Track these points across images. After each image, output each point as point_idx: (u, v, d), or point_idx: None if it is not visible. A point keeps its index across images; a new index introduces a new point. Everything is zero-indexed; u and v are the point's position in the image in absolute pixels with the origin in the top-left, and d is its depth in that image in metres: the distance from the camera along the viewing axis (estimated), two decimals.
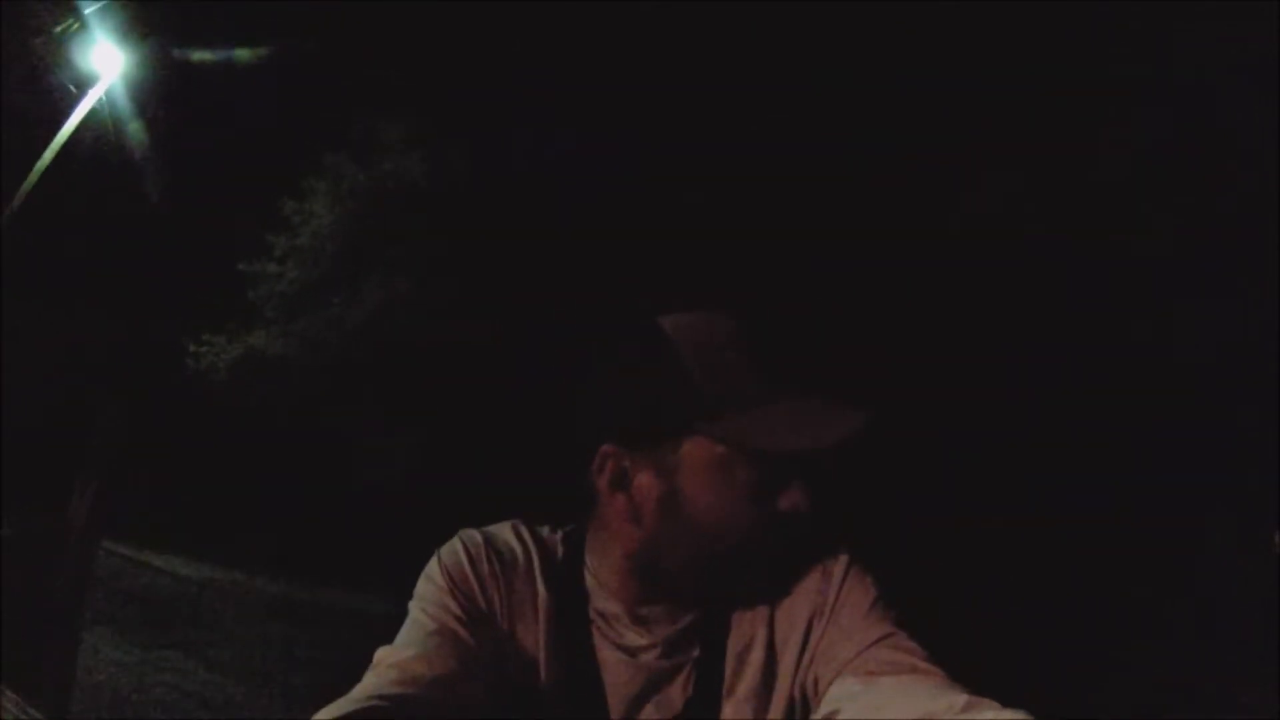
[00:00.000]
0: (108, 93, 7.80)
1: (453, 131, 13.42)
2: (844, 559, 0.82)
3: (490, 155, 13.41)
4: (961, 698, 0.64)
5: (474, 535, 0.84)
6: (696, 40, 11.42)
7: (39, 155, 7.10)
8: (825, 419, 0.74)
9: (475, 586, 0.79)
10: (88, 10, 7.44)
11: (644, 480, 0.76)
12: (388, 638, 0.76)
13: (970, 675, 0.67)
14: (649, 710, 0.78)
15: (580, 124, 12.55)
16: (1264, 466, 8.74)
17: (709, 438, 0.74)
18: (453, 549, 0.82)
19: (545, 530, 0.88)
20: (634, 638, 0.80)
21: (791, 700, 0.78)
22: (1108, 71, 9.58)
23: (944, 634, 0.76)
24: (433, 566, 0.81)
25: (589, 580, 0.83)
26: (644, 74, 11.70)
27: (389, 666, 0.70)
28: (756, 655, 0.79)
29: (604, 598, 0.81)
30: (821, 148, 10.93)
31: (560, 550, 0.85)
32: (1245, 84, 8.62)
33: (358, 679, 0.71)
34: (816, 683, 0.76)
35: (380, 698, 0.64)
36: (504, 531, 0.86)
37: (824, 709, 0.73)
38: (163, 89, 9.78)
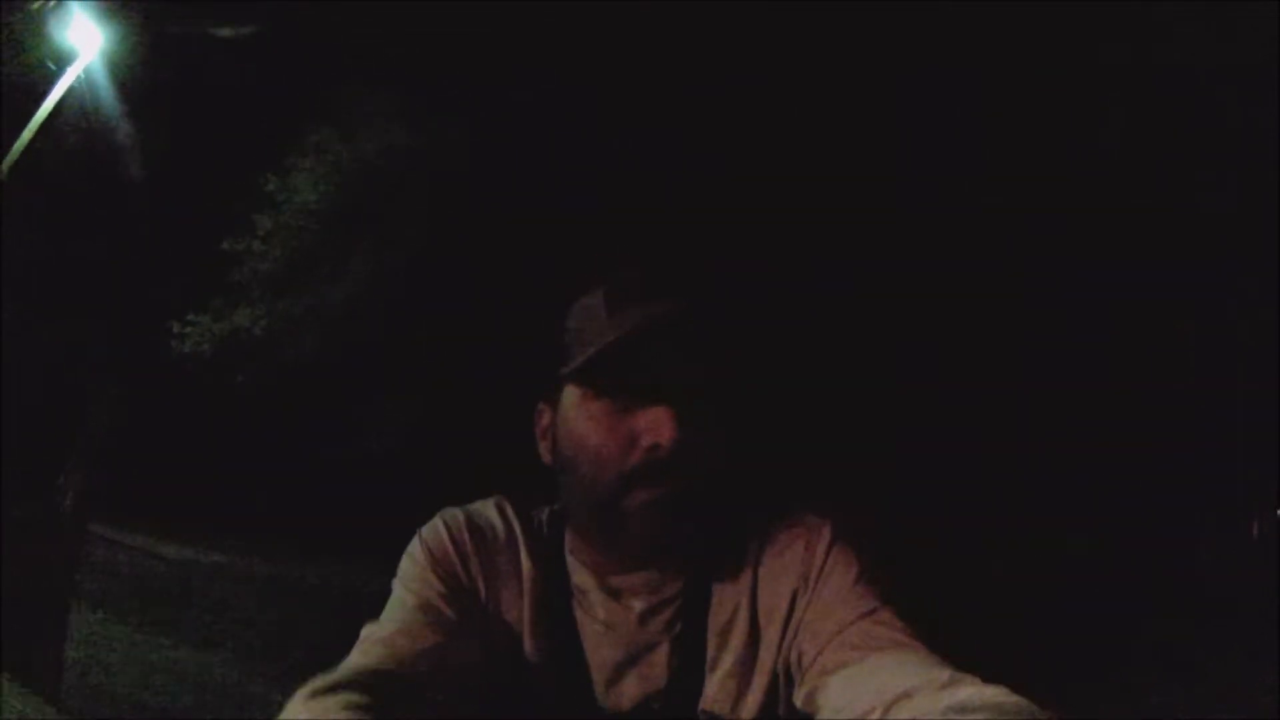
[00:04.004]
0: (87, 70, 7.65)
1: (441, 103, 13.25)
2: (828, 530, 0.81)
3: (480, 127, 13.26)
4: (944, 673, 0.64)
5: (455, 513, 0.85)
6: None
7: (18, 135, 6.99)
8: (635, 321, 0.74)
9: (456, 562, 0.81)
10: None
11: (553, 431, 0.81)
12: (379, 614, 0.77)
13: (961, 667, 0.67)
14: (632, 682, 0.79)
15: (574, 97, 12.41)
16: (1262, 464, 8.81)
17: (571, 380, 0.78)
18: (433, 527, 0.84)
19: (531, 507, 0.88)
20: (609, 610, 0.80)
21: (774, 675, 0.78)
22: (1106, 70, 9.53)
23: (936, 634, 0.76)
24: (414, 545, 0.83)
25: (568, 555, 0.84)
26: (640, 49, 11.54)
27: (374, 643, 0.71)
28: (739, 630, 0.79)
29: (579, 571, 0.82)
30: (818, 146, 10.87)
31: (546, 527, 0.86)
32: (1245, 83, 8.57)
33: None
34: (800, 658, 0.76)
35: (365, 672, 0.65)
36: (486, 509, 0.87)
37: (806, 685, 0.74)
38: (143, 65, 9.59)
